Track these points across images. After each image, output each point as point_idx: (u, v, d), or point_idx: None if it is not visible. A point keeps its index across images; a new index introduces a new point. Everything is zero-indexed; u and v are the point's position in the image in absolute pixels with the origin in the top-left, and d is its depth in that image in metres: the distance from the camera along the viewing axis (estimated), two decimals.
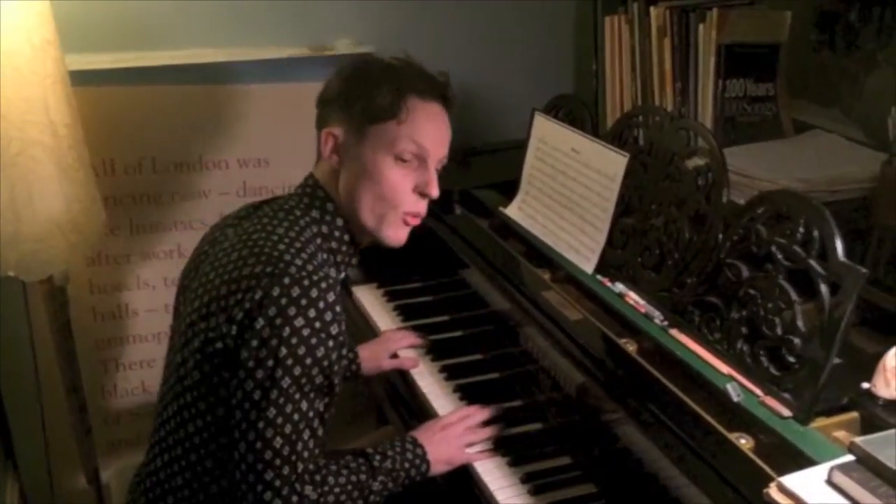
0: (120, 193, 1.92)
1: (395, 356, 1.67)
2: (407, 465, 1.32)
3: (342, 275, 1.34)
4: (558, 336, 1.38)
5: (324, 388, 1.21)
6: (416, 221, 1.34)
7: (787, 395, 1.11)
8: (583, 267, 1.51)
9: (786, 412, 1.10)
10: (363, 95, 1.27)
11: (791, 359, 1.12)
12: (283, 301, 1.15)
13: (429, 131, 1.30)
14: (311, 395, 1.19)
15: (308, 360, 1.17)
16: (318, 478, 1.22)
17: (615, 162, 1.48)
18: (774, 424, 1.09)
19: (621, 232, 1.47)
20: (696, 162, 1.38)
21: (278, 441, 1.17)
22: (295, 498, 1.19)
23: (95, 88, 1.80)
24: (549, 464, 1.36)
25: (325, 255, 1.28)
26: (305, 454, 1.19)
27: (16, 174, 1.53)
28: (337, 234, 1.31)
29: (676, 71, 1.76)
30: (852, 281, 1.06)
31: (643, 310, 1.36)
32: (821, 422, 1.09)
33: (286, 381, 1.16)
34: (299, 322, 1.15)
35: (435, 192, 1.32)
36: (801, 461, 1.01)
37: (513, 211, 1.73)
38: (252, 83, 1.91)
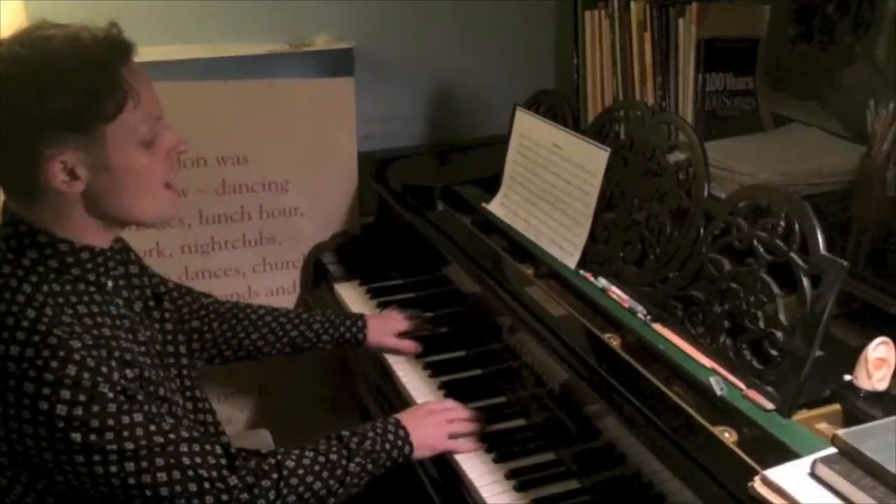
0: None
1: (400, 336, 1.65)
2: (388, 445, 1.29)
3: (110, 283, 1.19)
4: (542, 332, 1.38)
5: (134, 387, 1.11)
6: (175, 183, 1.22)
7: (769, 389, 1.12)
8: (565, 262, 1.51)
9: (769, 405, 1.11)
10: (80, 99, 1.05)
11: (773, 352, 1.13)
12: (27, 402, 1.03)
13: (149, 95, 1.13)
14: (133, 406, 1.08)
15: (98, 399, 1.05)
16: (265, 466, 1.17)
17: (597, 157, 1.48)
18: (758, 418, 1.09)
19: (603, 227, 1.47)
20: (678, 156, 1.38)
21: (164, 473, 1.09)
22: (245, 496, 1.14)
23: None
24: (533, 460, 1.36)
25: (68, 289, 1.12)
26: (200, 456, 1.12)
27: None
28: (71, 259, 1.13)
29: (657, 65, 1.76)
30: (833, 274, 1.07)
31: (626, 304, 1.37)
32: (803, 414, 1.09)
33: (106, 434, 1.06)
34: (62, 410, 1.03)
35: (184, 147, 1.19)
36: (784, 454, 1.01)
37: (495, 207, 1.73)
38: (231, 79, 1.89)
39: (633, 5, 1.77)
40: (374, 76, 2.09)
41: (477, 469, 1.34)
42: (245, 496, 1.15)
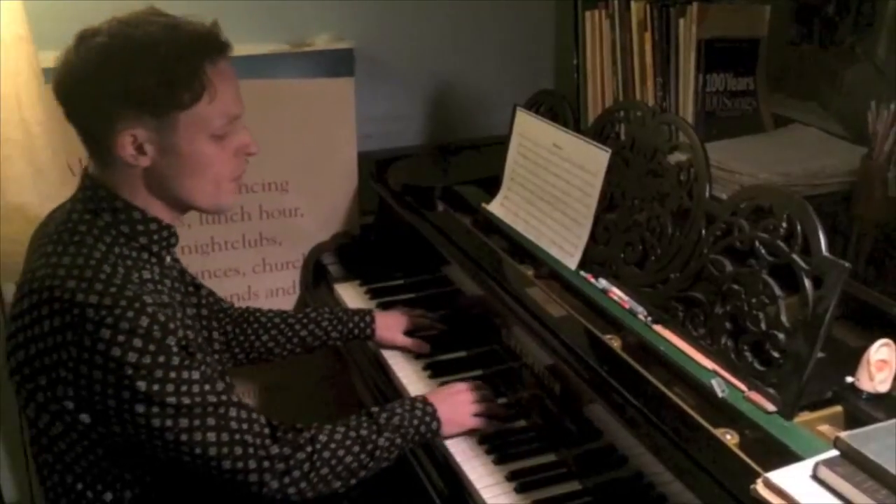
0: None
1: (409, 334, 1.66)
2: (416, 421, 1.34)
3: (168, 258, 1.28)
4: (542, 333, 1.38)
5: (193, 346, 1.18)
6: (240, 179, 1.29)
7: (771, 390, 1.11)
8: (566, 263, 1.51)
9: (770, 407, 1.10)
10: (160, 84, 1.13)
11: (775, 353, 1.12)
12: (101, 347, 1.09)
13: (231, 94, 1.20)
14: (192, 363, 1.15)
15: (163, 355, 1.12)
16: (301, 440, 1.23)
17: (597, 157, 1.47)
18: (759, 419, 1.09)
19: (604, 228, 1.47)
20: (678, 157, 1.37)
21: (213, 434, 1.15)
22: (281, 465, 1.20)
23: None
24: (534, 461, 1.35)
25: (134, 255, 1.20)
26: (247, 423, 1.18)
27: None
28: (141, 227, 1.21)
29: (657, 66, 1.76)
30: (835, 275, 1.07)
31: (627, 306, 1.36)
32: (805, 416, 1.09)
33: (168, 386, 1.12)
34: (132, 357, 1.10)
35: (255, 149, 1.26)
36: (786, 456, 1.01)
37: (495, 207, 1.73)
38: None
39: (633, 5, 1.77)
40: (375, 76, 2.08)
41: (477, 471, 1.34)
42: (281, 466, 1.21)
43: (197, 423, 1.15)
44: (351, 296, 1.89)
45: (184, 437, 1.14)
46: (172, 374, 1.13)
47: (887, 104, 1.37)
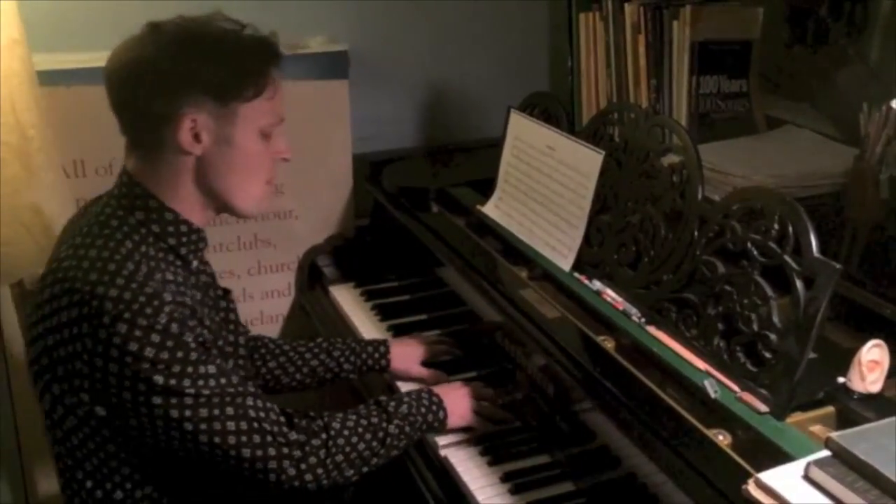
0: (91, 195, 1.86)
1: (425, 364, 1.60)
2: (423, 409, 1.36)
3: (195, 262, 1.29)
4: (536, 334, 1.38)
5: (211, 342, 1.19)
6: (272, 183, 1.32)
7: (763, 391, 1.12)
8: (560, 265, 1.51)
9: (762, 408, 1.11)
10: (231, 74, 1.19)
11: (767, 354, 1.13)
12: (118, 341, 1.10)
13: (280, 100, 1.27)
14: (210, 358, 1.17)
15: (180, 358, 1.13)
16: (315, 427, 1.25)
17: (591, 159, 1.48)
18: (751, 420, 1.09)
19: (598, 229, 1.47)
20: (671, 159, 1.38)
21: (232, 423, 1.16)
22: (297, 452, 1.21)
23: (66, 88, 1.77)
24: (528, 462, 1.36)
25: (161, 256, 1.20)
26: (264, 411, 1.20)
27: None
28: (171, 228, 1.23)
29: (651, 68, 1.77)
30: (826, 276, 1.07)
31: (621, 307, 1.37)
32: (797, 417, 1.09)
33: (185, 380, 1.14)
34: (149, 352, 1.11)
35: (289, 155, 1.30)
36: (778, 456, 1.01)
37: (489, 209, 1.73)
38: None
39: (627, 7, 1.77)
40: (369, 78, 2.08)
41: (472, 472, 1.34)
42: (298, 453, 1.22)
43: (216, 412, 1.16)
44: (346, 298, 1.89)
45: (203, 426, 1.15)
46: (190, 369, 1.14)
47: (879, 106, 1.38)
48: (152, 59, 1.18)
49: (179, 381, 1.13)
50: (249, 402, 1.19)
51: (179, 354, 1.13)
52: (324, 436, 1.25)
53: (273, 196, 1.34)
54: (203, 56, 1.18)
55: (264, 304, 2.04)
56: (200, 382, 1.15)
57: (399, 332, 1.74)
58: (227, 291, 1.45)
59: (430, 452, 1.41)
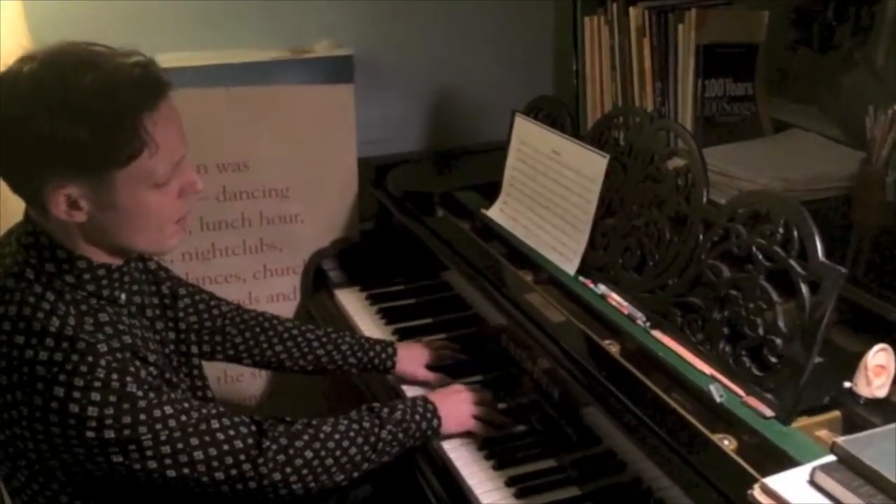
0: None
1: (430, 368, 1.59)
2: (418, 417, 1.34)
3: (122, 297, 1.20)
4: (541, 338, 1.38)
5: (158, 382, 1.14)
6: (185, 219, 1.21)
7: (769, 396, 1.11)
8: (565, 268, 1.51)
9: (768, 412, 1.10)
10: (96, 140, 1.03)
11: (773, 359, 1.13)
12: (55, 405, 1.04)
13: (173, 138, 1.11)
14: (161, 399, 1.12)
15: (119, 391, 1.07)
16: (294, 430, 1.22)
17: (595, 163, 1.48)
18: (757, 425, 1.09)
19: (602, 233, 1.47)
20: (676, 162, 1.38)
21: (200, 451, 1.13)
22: (281, 457, 1.19)
23: None
24: (533, 467, 1.35)
25: (83, 307, 1.12)
26: (232, 429, 1.16)
27: None
28: (87, 276, 1.14)
29: (656, 71, 1.77)
30: (832, 281, 1.07)
31: (626, 311, 1.36)
32: (803, 421, 1.09)
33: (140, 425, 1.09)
34: (93, 411, 1.06)
35: (200, 186, 1.18)
36: (784, 461, 1.01)
37: (494, 213, 1.73)
38: (231, 86, 1.90)
39: (632, 11, 1.77)
40: (374, 83, 2.09)
41: (477, 476, 1.34)
42: (282, 457, 1.19)
43: (180, 445, 1.12)
44: (352, 302, 1.89)
45: (168, 462, 1.12)
46: (142, 416, 1.09)
47: (885, 109, 1.37)
48: (4, 122, 1.04)
49: (134, 431, 1.08)
50: (214, 424, 1.15)
51: (126, 406, 1.07)
52: (306, 437, 1.22)
53: (184, 233, 1.21)
54: (57, 124, 1.02)
55: (270, 308, 2.01)
56: (158, 426, 1.10)
57: (404, 335, 1.73)
58: (176, 297, 1.39)
59: (434, 456, 1.40)
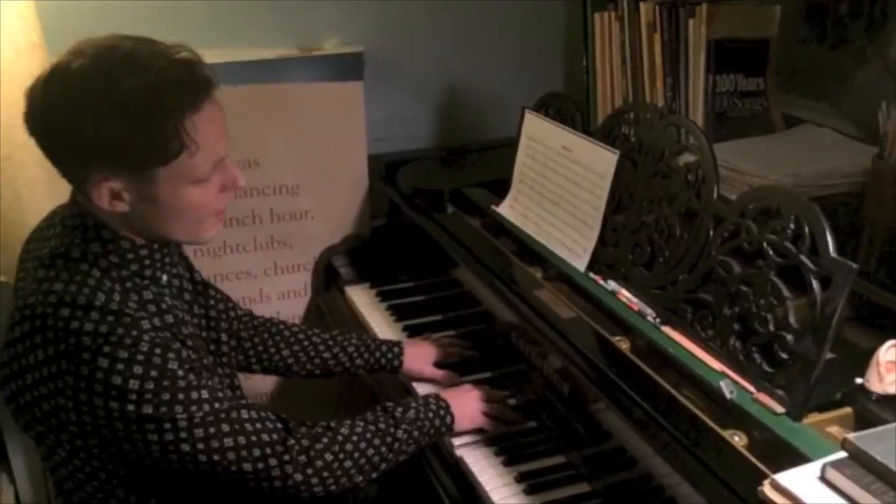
0: None
1: (438, 365, 1.60)
2: (431, 415, 1.35)
3: (164, 277, 1.24)
4: (551, 335, 1.38)
5: (197, 364, 1.18)
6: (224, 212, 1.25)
7: (780, 392, 1.11)
8: (575, 265, 1.51)
9: (779, 408, 1.10)
10: (140, 140, 1.07)
11: (784, 355, 1.12)
12: (100, 376, 1.07)
13: (214, 137, 1.14)
14: (200, 381, 1.15)
15: (160, 374, 1.10)
16: (315, 432, 1.24)
17: (606, 159, 1.47)
18: (768, 421, 1.09)
19: (613, 229, 1.47)
20: (687, 158, 1.37)
21: (230, 439, 1.15)
22: (303, 458, 1.21)
23: None
24: (543, 463, 1.35)
25: (128, 284, 1.16)
26: (260, 422, 1.19)
27: (2, 178, 1.53)
28: (130, 255, 1.18)
29: (667, 66, 1.76)
30: (843, 276, 1.06)
31: (636, 307, 1.36)
32: (814, 417, 1.09)
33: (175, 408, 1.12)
34: (134, 384, 1.09)
35: (242, 182, 1.21)
36: (794, 458, 1.00)
37: (504, 209, 1.73)
38: (241, 84, 1.90)
39: (642, 6, 1.76)
40: (384, 80, 2.09)
41: (487, 472, 1.34)
42: (303, 458, 1.21)
43: (212, 430, 1.14)
44: (362, 299, 1.90)
45: (200, 446, 1.14)
46: (180, 395, 1.12)
47: None
48: (54, 117, 1.08)
49: (170, 409, 1.11)
50: (244, 414, 1.18)
51: (166, 383, 1.10)
52: (325, 440, 1.24)
53: (220, 225, 1.24)
54: (107, 122, 1.06)
55: (280, 305, 2.04)
56: (193, 408, 1.13)
57: (414, 332, 1.74)
58: (206, 286, 1.44)
59: (445, 453, 1.41)
